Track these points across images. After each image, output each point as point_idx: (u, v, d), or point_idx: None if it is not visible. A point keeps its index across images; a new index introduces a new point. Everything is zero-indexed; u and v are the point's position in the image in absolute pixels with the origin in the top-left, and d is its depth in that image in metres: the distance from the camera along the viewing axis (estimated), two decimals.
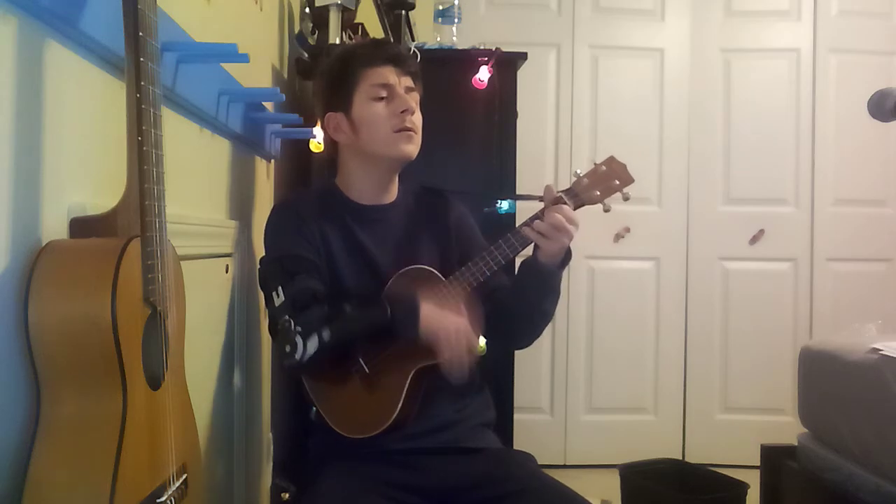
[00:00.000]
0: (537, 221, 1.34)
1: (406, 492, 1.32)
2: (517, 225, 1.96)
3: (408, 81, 1.45)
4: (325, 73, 1.51)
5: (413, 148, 1.43)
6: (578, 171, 1.41)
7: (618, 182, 1.39)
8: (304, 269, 1.36)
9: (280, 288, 1.33)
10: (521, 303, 1.43)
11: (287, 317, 1.30)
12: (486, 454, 1.42)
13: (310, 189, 1.55)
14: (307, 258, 1.38)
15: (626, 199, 1.39)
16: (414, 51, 2.00)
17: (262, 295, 1.95)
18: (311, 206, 1.45)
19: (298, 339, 1.28)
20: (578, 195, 1.39)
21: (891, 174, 3.28)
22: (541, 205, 1.39)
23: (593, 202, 1.38)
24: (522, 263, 1.43)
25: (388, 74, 1.43)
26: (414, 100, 1.45)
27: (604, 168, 1.40)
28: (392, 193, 1.50)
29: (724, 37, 3.29)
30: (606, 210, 1.39)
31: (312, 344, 1.28)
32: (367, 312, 1.33)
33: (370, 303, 1.35)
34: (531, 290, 1.42)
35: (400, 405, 1.33)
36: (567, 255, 1.39)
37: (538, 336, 1.51)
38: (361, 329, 1.33)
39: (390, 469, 1.34)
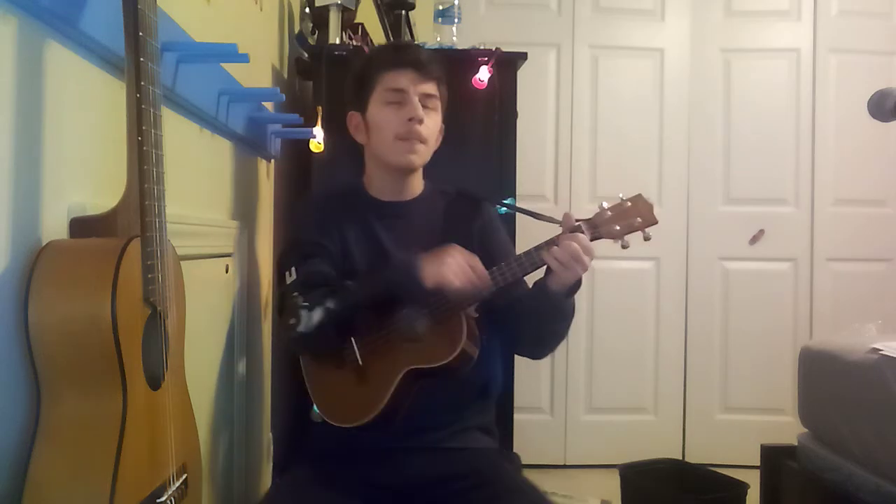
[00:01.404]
0: (555, 248, 1.32)
1: (375, 489, 1.34)
2: (517, 225, 1.95)
3: (428, 88, 1.44)
4: (351, 71, 1.54)
5: (414, 158, 1.44)
6: (605, 204, 1.38)
7: (640, 220, 1.35)
8: (320, 254, 1.41)
9: (294, 268, 1.38)
10: (531, 322, 1.42)
11: (296, 293, 1.34)
12: (466, 453, 1.42)
13: (337, 185, 1.58)
14: (322, 245, 1.43)
15: (646, 238, 1.35)
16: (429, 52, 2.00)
17: (262, 295, 1.96)
18: (335, 201, 1.50)
19: (303, 312, 1.31)
20: (598, 227, 1.35)
21: (891, 174, 3.28)
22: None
23: (612, 237, 1.35)
24: (534, 285, 1.42)
25: (404, 80, 1.43)
26: (433, 107, 1.45)
27: (629, 204, 1.36)
28: (411, 191, 1.51)
29: (724, 37, 3.29)
30: (625, 247, 1.36)
31: (317, 315, 1.31)
32: (369, 279, 1.37)
33: (372, 271, 1.38)
34: (541, 313, 1.40)
35: (385, 401, 1.33)
36: (577, 283, 1.37)
37: (552, 350, 1.50)
38: (364, 296, 1.34)
39: (366, 466, 1.37)
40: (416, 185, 1.52)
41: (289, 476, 1.40)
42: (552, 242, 1.34)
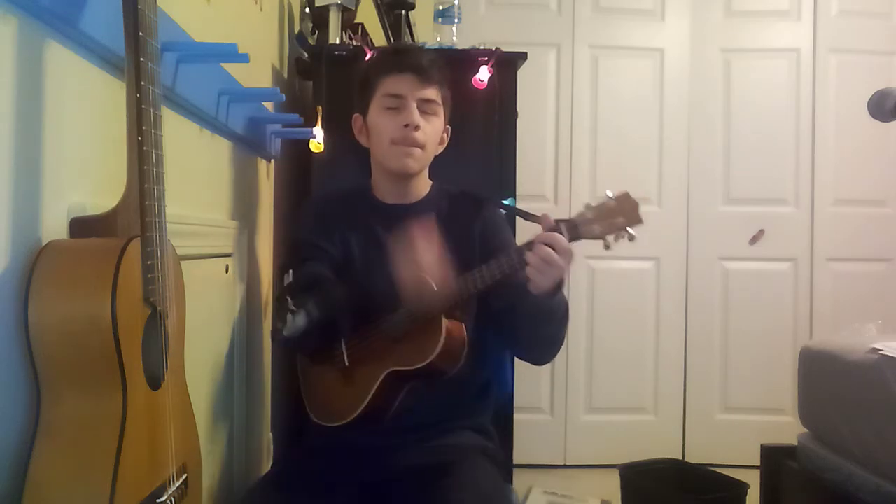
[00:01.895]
0: (529, 254, 1.26)
1: (346, 484, 1.35)
2: (516, 225, 1.93)
3: (428, 93, 1.44)
4: (357, 73, 1.54)
5: (410, 162, 1.44)
6: (591, 203, 1.31)
7: (622, 220, 1.28)
8: (318, 257, 1.42)
9: (291, 271, 1.38)
10: (523, 325, 1.39)
11: (287, 297, 1.33)
12: (442, 449, 1.41)
13: (343, 187, 1.58)
14: (323, 248, 1.44)
15: (630, 239, 1.28)
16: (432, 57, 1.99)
17: (262, 295, 1.97)
18: (339, 203, 1.51)
19: (289, 316, 1.30)
20: (577, 227, 1.28)
21: (891, 174, 3.28)
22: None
23: (592, 237, 1.28)
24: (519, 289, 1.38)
25: (403, 85, 1.42)
26: (433, 112, 1.45)
27: (613, 203, 1.29)
28: (415, 194, 1.51)
29: (724, 37, 3.29)
30: (607, 247, 1.29)
31: (300, 320, 1.29)
32: (347, 285, 1.37)
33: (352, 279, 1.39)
34: (528, 316, 1.36)
35: (366, 402, 1.35)
36: (557, 285, 1.29)
37: (551, 356, 1.45)
38: (342, 301, 1.35)
39: (347, 463, 1.37)
40: (421, 187, 1.52)
41: (272, 471, 1.43)
42: (529, 245, 1.28)
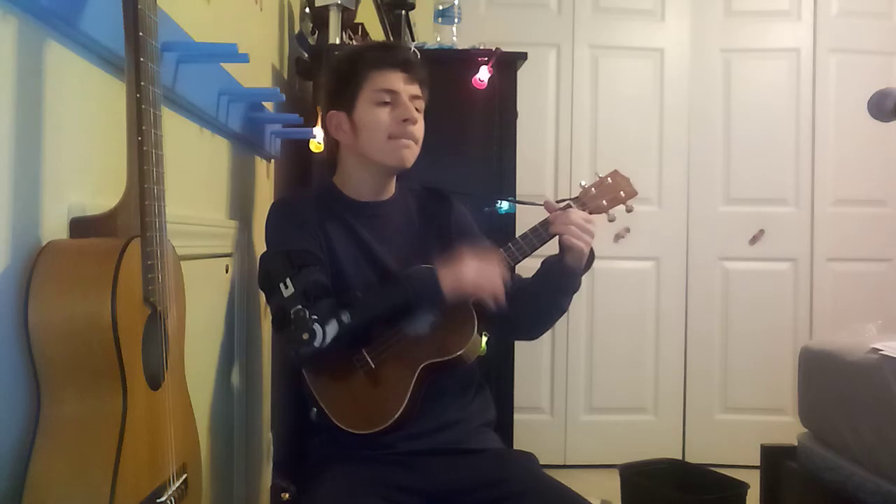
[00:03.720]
0: (562, 221, 1.38)
1: (408, 494, 1.31)
2: (517, 225, 1.95)
3: (415, 90, 1.43)
4: (332, 69, 1.51)
5: (409, 157, 1.43)
6: (583, 183, 1.46)
7: (623, 193, 1.45)
8: (311, 262, 1.35)
9: (288, 280, 1.31)
10: (540, 298, 1.44)
11: (300, 306, 1.29)
12: (488, 455, 1.41)
13: (307, 188, 1.56)
14: (312, 252, 1.37)
15: (629, 210, 1.45)
16: (415, 51, 2.00)
17: (262, 295, 1.96)
18: (310, 203, 1.45)
19: (316, 326, 1.27)
20: (586, 204, 1.43)
21: (891, 174, 3.28)
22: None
23: (601, 211, 1.43)
24: (545, 262, 1.45)
25: (395, 80, 1.41)
26: (420, 108, 1.45)
27: (609, 180, 1.46)
28: (389, 192, 1.50)
29: (724, 37, 3.29)
30: (611, 220, 1.45)
31: (332, 329, 1.27)
32: (386, 291, 1.35)
33: (386, 283, 1.37)
34: (553, 288, 1.44)
35: (406, 401, 1.33)
36: (591, 257, 1.43)
37: (550, 328, 1.54)
38: (382, 308, 1.33)
39: (393, 470, 1.34)
40: (392, 186, 1.51)
41: (330, 481, 1.30)
42: (545, 225, 1.40)
